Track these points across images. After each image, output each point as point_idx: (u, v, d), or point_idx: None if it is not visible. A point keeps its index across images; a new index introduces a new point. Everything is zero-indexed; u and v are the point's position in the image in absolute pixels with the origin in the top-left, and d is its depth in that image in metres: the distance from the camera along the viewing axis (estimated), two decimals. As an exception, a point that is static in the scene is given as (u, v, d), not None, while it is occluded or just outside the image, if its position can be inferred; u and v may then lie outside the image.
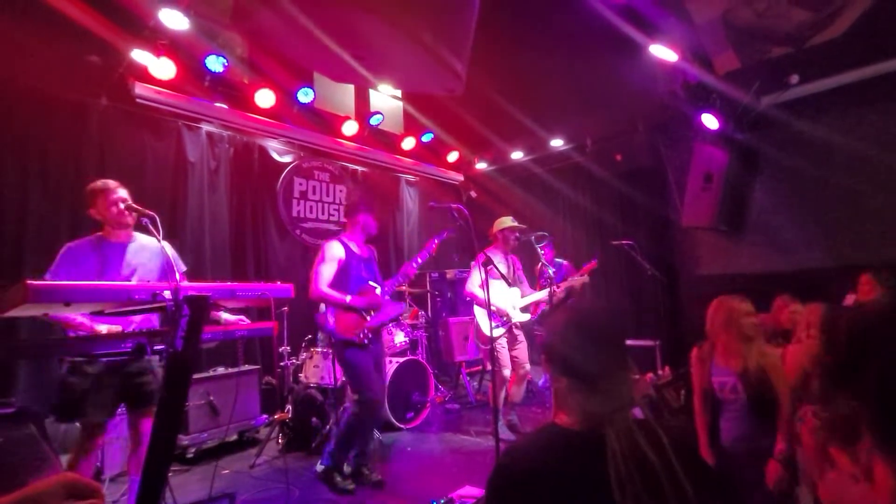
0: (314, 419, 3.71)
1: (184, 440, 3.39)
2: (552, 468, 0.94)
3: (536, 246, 3.91)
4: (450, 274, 6.20)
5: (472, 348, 5.31)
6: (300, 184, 5.38)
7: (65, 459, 2.52)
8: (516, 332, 3.84)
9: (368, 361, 2.99)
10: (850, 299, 2.78)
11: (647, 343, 5.10)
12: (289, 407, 3.87)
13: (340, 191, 5.77)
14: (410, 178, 6.83)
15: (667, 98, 4.77)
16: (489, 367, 3.43)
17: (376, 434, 3.76)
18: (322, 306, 4.14)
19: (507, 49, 4.74)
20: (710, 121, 4.56)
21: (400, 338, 4.50)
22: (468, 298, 3.94)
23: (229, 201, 4.70)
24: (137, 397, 2.29)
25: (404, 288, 4.88)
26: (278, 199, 5.13)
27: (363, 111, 5.56)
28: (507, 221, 3.94)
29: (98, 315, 2.05)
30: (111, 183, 2.37)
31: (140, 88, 3.92)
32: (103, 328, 2.11)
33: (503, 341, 3.74)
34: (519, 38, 4.66)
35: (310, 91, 4.79)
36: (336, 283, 2.95)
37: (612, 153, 6.00)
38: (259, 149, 5.02)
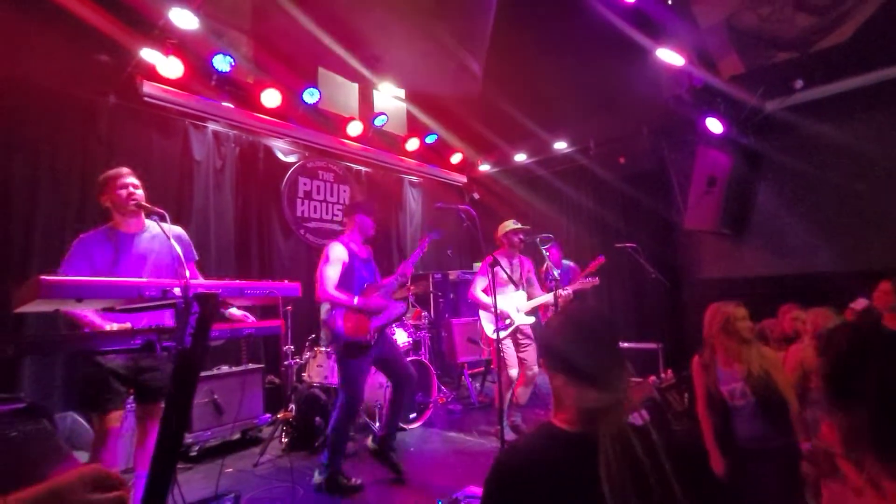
0: (317, 419, 3.71)
1: (187, 438, 3.39)
2: (548, 468, 0.96)
3: (541, 248, 3.91)
4: (452, 275, 6.21)
5: (475, 349, 5.31)
6: (304, 184, 5.39)
7: (80, 456, 2.54)
8: (522, 335, 3.84)
9: (367, 366, 3.07)
10: (861, 303, 2.78)
11: (649, 346, 5.11)
12: (292, 406, 3.88)
13: (344, 191, 5.78)
14: (414, 178, 6.85)
15: (671, 102, 4.78)
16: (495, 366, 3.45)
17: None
18: (322, 310, 4.17)
19: (512, 52, 4.76)
20: (714, 125, 4.57)
21: (403, 338, 4.50)
22: (471, 300, 3.94)
23: (234, 200, 4.71)
24: (147, 391, 2.30)
25: (409, 288, 4.89)
26: (283, 198, 5.14)
27: (367, 112, 5.59)
28: (511, 224, 3.94)
29: (108, 311, 2.07)
30: (123, 170, 2.38)
31: (148, 87, 3.94)
32: (113, 327, 2.12)
33: (508, 342, 3.75)
34: (523, 42, 4.68)
35: (315, 91, 4.81)
36: (340, 284, 2.99)
37: (615, 156, 6.01)
38: (264, 148, 5.04)
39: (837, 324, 1.95)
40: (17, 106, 3.39)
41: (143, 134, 4.09)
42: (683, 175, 5.16)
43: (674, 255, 5.56)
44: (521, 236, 3.93)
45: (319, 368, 4.01)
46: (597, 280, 3.97)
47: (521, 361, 3.79)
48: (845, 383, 0.80)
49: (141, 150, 4.02)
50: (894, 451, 0.73)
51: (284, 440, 3.76)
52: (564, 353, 1.04)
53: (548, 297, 3.84)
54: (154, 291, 1.72)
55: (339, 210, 5.70)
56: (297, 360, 4.22)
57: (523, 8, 4.21)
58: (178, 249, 2.08)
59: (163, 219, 2.10)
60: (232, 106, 4.61)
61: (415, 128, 6.17)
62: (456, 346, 5.32)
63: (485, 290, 3.85)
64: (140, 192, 2.37)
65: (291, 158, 5.29)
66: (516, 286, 3.75)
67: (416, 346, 4.84)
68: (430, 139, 6.28)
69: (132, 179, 2.37)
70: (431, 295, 5.82)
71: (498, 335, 3.02)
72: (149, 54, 3.77)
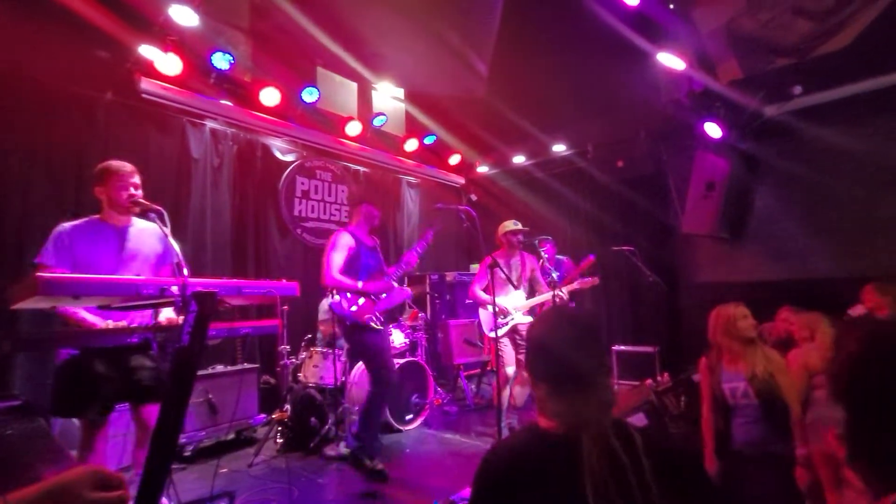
0: (313, 419, 3.69)
1: (181, 438, 3.36)
2: (533, 468, 0.97)
3: (540, 249, 3.92)
4: (449, 276, 6.20)
5: (471, 351, 5.30)
6: (302, 183, 5.37)
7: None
8: (522, 333, 3.84)
9: (382, 341, 3.20)
10: (858, 309, 2.80)
11: (646, 349, 5.12)
12: (287, 406, 3.86)
13: (342, 191, 5.76)
14: (412, 179, 6.84)
15: (670, 106, 4.80)
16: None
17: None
18: (321, 311, 4.16)
19: (511, 54, 4.76)
20: (712, 129, 4.59)
21: (399, 339, 4.49)
22: (471, 300, 3.95)
23: (231, 199, 4.69)
24: (140, 391, 2.25)
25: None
26: (280, 197, 5.12)
27: (366, 112, 5.57)
28: (509, 225, 3.95)
29: (104, 309, 2.04)
30: (128, 166, 2.32)
31: (146, 84, 3.92)
32: (109, 325, 2.08)
33: (506, 341, 3.75)
34: (523, 44, 4.68)
35: (314, 90, 4.79)
36: (346, 270, 3.12)
37: (613, 159, 6.03)
38: (262, 147, 5.02)
39: (849, 323, 1.95)
40: (13, 101, 3.35)
41: (140, 131, 4.06)
42: (681, 179, 5.18)
43: (671, 258, 5.58)
44: (520, 237, 3.93)
45: (315, 369, 3.99)
46: (597, 280, 3.98)
47: (518, 362, 3.78)
48: (851, 385, 0.80)
49: (138, 148, 3.99)
50: (863, 450, 0.73)
51: (279, 441, 3.74)
52: (546, 364, 1.05)
53: (546, 297, 3.84)
54: (152, 289, 1.72)
55: (336, 210, 5.68)
56: (293, 360, 4.20)
57: (525, 9, 4.21)
58: (177, 247, 2.06)
59: (160, 216, 2.07)
60: (230, 104, 4.58)
61: (413, 128, 6.16)
62: (452, 348, 5.31)
63: (484, 290, 3.86)
64: (140, 193, 2.33)
65: (289, 157, 5.27)
66: (515, 286, 3.75)
67: (412, 348, 4.83)
68: (428, 140, 6.27)
69: (136, 180, 2.32)
70: (428, 296, 5.81)
71: (496, 333, 3.03)
72: (147, 51, 3.74)
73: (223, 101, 4.53)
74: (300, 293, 2.84)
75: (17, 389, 3.07)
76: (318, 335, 4.36)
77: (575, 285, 3.92)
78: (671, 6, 4.10)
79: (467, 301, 5.49)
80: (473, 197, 7.48)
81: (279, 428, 3.78)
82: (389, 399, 3.21)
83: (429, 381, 4.39)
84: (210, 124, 4.54)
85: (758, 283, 4.82)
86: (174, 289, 1.72)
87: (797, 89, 4.34)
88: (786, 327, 2.68)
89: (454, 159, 6.89)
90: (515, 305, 3.82)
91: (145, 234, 2.41)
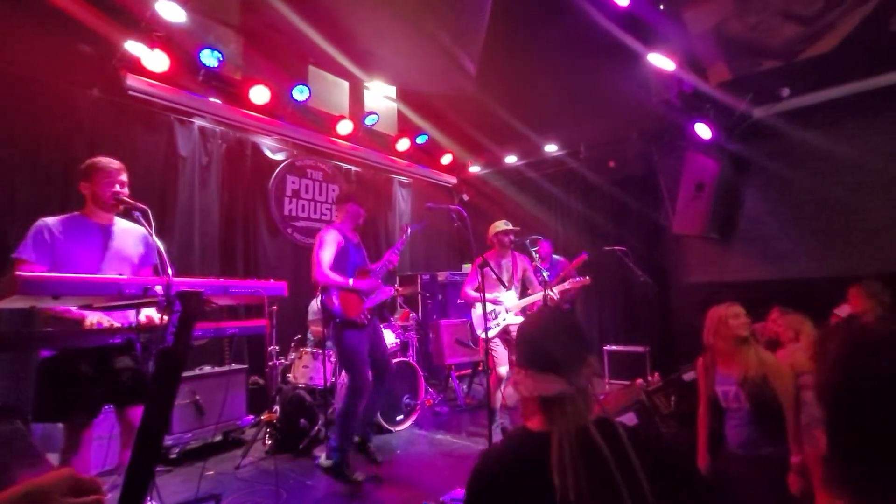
0: (302, 420, 3.65)
1: (167, 440, 3.31)
2: (520, 470, 0.98)
3: (531, 249, 3.92)
4: (441, 276, 6.19)
5: (463, 351, 5.29)
6: (293, 182, 5.32)
7: (51, 458, 2.44)
8: (513, 334, 3.83)
9: (365, 344, 3.21)
10: (845, 309, 2.84)
11: (637, 349, 5.15)
12: (276, 408, 3.81)
13: (333, 190, 5.72)
14: (404, 179, 6.81)
15: (661, 107, 4.83)
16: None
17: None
18: (310, 311, 4.13)
19: (503, 54, 4.76)
20: (702, 130, 4.63)
21: (390, 339, 4.47)
22: (462, 300, 3.93)
23: (220, 198, 4.63)
24: (125, 393, 2.21)
25: (398, 289, 4.87)
26: (270, 196, 5.07)
27: (358, 111, 5.54)
28: (501, 225, 3.94)
29: (87, 308, 2.00)
30: (116, 163, 2.28)
31: (132, 80, 3.85)
32: (94, 317, 2.02)
33: (498, 340, 3.74)
34: (515, 45, 4.69)
35: (305, 89, 4.75)
36: (335, 267, 3.14)
37: (605, 160, 6.06)
38: (252, 145, 4.97)
39: (831, 328, 1.95)
40: (-5, 96, 3.28)
41: (126, 128, 3.99)
42: (672, 179, 5.22)
43: (662, 258, 5.62)
44: (512, 237, 3.93)
45: (305, 369, 3.95)
46: (588, 280, 3.98)
47: (511, 363, 3.78)
48: (833, 390, 0.78)
49: (124, 145, 3.92)
50: (842, 455, 0.72)
51: (268, 442, 3.69)
52: (524, 346, 1.11)
53: (537, 297, 3.84)
54: (135, 289, 1.68)
55: (327, 209, 5.64)
56: (283, 360, 4.15)
57: (516, 9, 4.21)
58: (161, 246, 2.02)
59: (144, 215, 2.02)
60: (219, 102, 4.52)
61: (405, 128, 6.14)
62: (444, 348, 5.29)
63: (476, 290, 3.85)
64: (126, 191, 2.28)
65: (280, 156, 5.22)
66: (506, 287, 3.74)
67: (403, 348, 4.80)
68: (420, 139, 6.26)
69: (123, 177, 2.27)
70: (420, 296, 5.79)
71: (486, 333, 3.03)
72: (134, 47, 3.68)
73: (212, 99, 4.47)
74: (290, 293, 2.81)
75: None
76: (309, 335, 4.32)
77: (566, 285, 3.91)
78: (661, 7, 4.13)
79: (459, 301, 5.48)
80: (465, 197, 7.48)
81: (268, 429, 3.74)
82: (358, 410, 3.16)
83: (420, 382, 4.37)
84: (198, 122, 4.48)
85: (747, 283, 4.87)
86: (158, 288, 1.68)
87: (785, 91, 4.40)
88: (774, 328, 2.71)
89: (446, 159, 6.88)
90: (507, 306, 3.82)
91: (128, 234, 2.36)
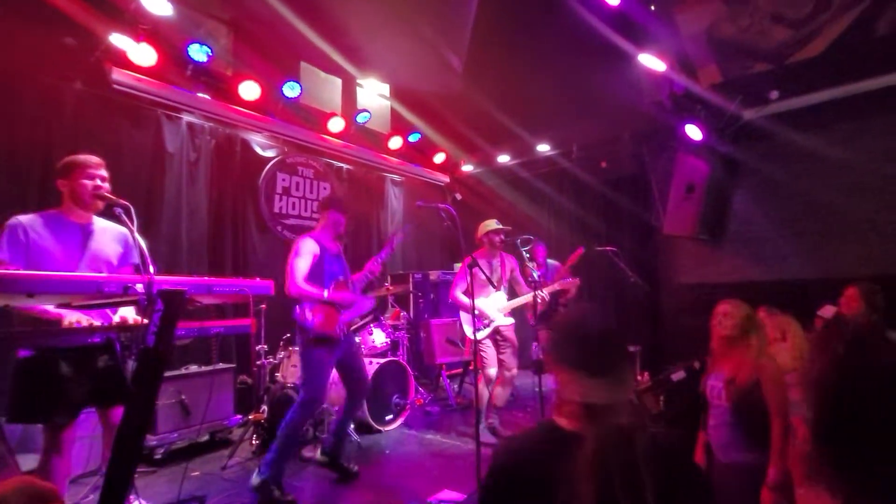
0: (291, 420, 3.62)
1: (152, 441, 3.26)
2: (544, 465, 0.95)
3: (522, 249, 3.90)
4: (433, 275, 6.17)
5: (454, 350, 5.28)
6: (283, 179, 5.27)
7: (29, 459, 2.38)
8: (503, 334, 3.83)
9: (331, 364, 3.01)
10: (828, 310, 2.86)
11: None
12: (264, 407, 3.77)
13: (324, 188, 5.68)
14: (396, 177, 6.78)
15: (652, 108, 4.85)
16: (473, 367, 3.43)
17: (354, 436, 3.69)
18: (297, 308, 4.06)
19: (497, 55, 4.76)
20: (693, 131, 4.65)
21: (381, 338, 4.44)
22: (451, 301, 3.91)
23: (209, 194, 4.56)
24: (108, 393, 2.16)
25: (388, 288, 4.83)
26: (260, 193, 5.01)
27: (350, 108, 5.50)
28: (492, 224, 3.92)
29: (65, 306, 1.95)
30: (93, 159, 2.21)
31: (118, 74, 3.78)
32: (73, 317, 1.97)
33: (488, 342, 3.73)
34: (509, 45, 4.68)
35: (296, 85, 4.70)
36: (310, 278, 2.95)
37: (597, 160, 6.08)
38: (242, 142, 4.91)
39: (827, 329, 1.89)
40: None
41: (111, 123, 3.92)
42: (663, 180, 5.24)
43: (653, 259, 5.65)
44: (502, 236, 3.91)
45: (294, 368, 3.92)
46: (578, 280, 3.98)
47: (500, 363, 3.77)
48: (825, 393, 0.77)
49: (109, 140, 3.85)
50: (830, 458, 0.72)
51: (255, 442, 3.66)
52: (574, 346, 1.04)
53: (527, 298, 3.84)
54: (114, 288, 1.64)
55: (318, 207, 5.59)
56: (271, 359, 4.11)
57: (509, 8, 4.20)
58: (143, 243, 1.98)
59: (127, 212, 1.97)
60: (208, 97, 4.46)
61: (398, 126, 6.11)
62: (434, 347, 5.28)
63: (465, 292, 3.82)
64: (107, 186, 2.23)
65: (270, 153, 5.17)
66: (496, 287, 3.73)
67: (393, 347, 4.78)
68: (413, 138, 6.23)
69: (103, 172, 2.21)
70: (411, 295, 5.77)
71: (475, 336, 3.00)
72: (119, 40, 3.61)
73: (201, 95, 4.40)
74: (280, 291, 2.77)
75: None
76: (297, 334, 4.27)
77: (556, 286, 3.91)
78: (652, 7, 4.14)
79: (450, 300, 5.46)
80: (458, 196, 7.47)
81: (255, 429, 3.70)
82: (302, 429, 2.99)
83: (410, 382, 4.35)
84: (187, 118, 4.41)
85: (737, 284, 4.90)
86: (139, 287, 1.65)
87: (774, 94, 4.43)
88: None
89: (439, 157, 6.86)
90: (497, 307, 3.81)
91: (107, 234, 2.30)
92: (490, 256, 3.90)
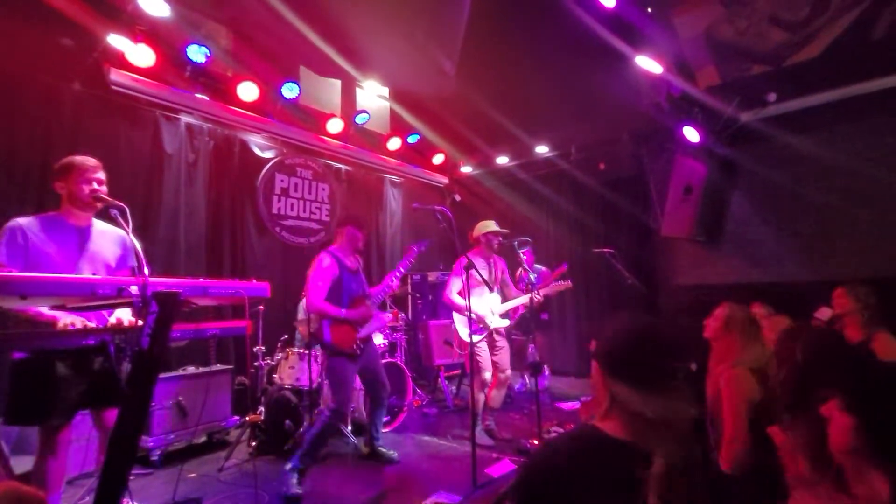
0: (287, 422, 3.61)
1: (148, 442, 3.26)
2: (590, 473, 0.93)
3: (518, 251, 3.90)
4: (431, 276, 6.17)
5: (452, 352, 5.28)
6: (282, 180, 5.27)
7: (25, 461, 2.38)
8: (497, 337, 3.83)
9: (353, 374, 3.19)
10: (825, 312, 2.86)
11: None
12: (261, 409, 3.77)
13: (323, 189, 5.68)
14: (395, 178, 6.78)
15: (650, 110, 4.86)
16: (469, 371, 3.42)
17: (351, 438, 3.69)
18: (303, 303, 4.09)
19: (495, 56, 4.76)
20: (691, 134, 4.66)
21: (379, 340, 4.44)
22: (446, 303, 3.90)
23: (207, 195, 4.56)
24: (103, 395, 2.16)
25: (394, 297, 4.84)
26: (258, 195, 5.01)
27: (349, 109, 5.50)
28: (491, 225, 3.91)
29: (59, 308, 1.95)
30: (91, 161, 2.21)
31: (116, 75, 3.78)
32: (67, 319, 1.97)
33: (483, 345, 3.71)
34: (507, 46, 4.68)
35: (295, 86, 4.71)
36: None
37: (596, 161, 6.08)
38: (240, 143, 4.91)
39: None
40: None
41: (109, 124, 3.91)
42: (661, 182, 5.24)
43: (651, 260, 5.65)
44: (500, 239, 3.90)
45: (291, 370, 3.91)
46: (569, 283, 3.98)
47: (494, 364, 3.76)
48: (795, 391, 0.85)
49: (107, 141, 3.85)
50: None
51: (253, 444, 3.65)
52: (635, 359, 1.01)
53: (523, 300, 3.83)
54: (108, 289, 1.64)
55: (316, 208, 5.59)
56: (269, 361, 4.11)
57: (507, 10, 4.20)
58: (138, 245, 1.98)
59: (122, 213, 1.98)
60: (207, 98, 4.46)
61: (398, 127, 6.11)
62: (432, 349, 5.28)
63: (460, 293, 3.81)
64: (104, 189, 2.22)
65: (269, 154, 5.17)
66: (490, 288, 3.72)
67: (391, 348, 4.78)
68: (412, 139, 6.23)
69: (100, 175, 2.21)
70: (410, 296, 5.77)
71: (471, 339, 3.00)
72: (117, 41, 3.61)
73: (199, 95, 4.41)
74: (278, 293, 2.77)
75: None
76: (297, 335, 4.27)
77: (549, 289, 3.92)
78: (649, 10, 4.15)
79: (444, 301, 5.45)
80: (457, 197, 7.46)
81: (253, 431, 3.69)
82: (329, 437, 3.16)
83: (407, 383, 4.35)
84: (185, 118, 4.41)
85: (734, 285, 4.91)
86: (133, 289, 1.65)
87: (772, 96, 4.44)
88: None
89: (438, 159, 6.86)
90: (493, 309, 3.80)
91: (105, 236, 2.31)
92: (485, 257, 3.88)
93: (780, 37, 4.19)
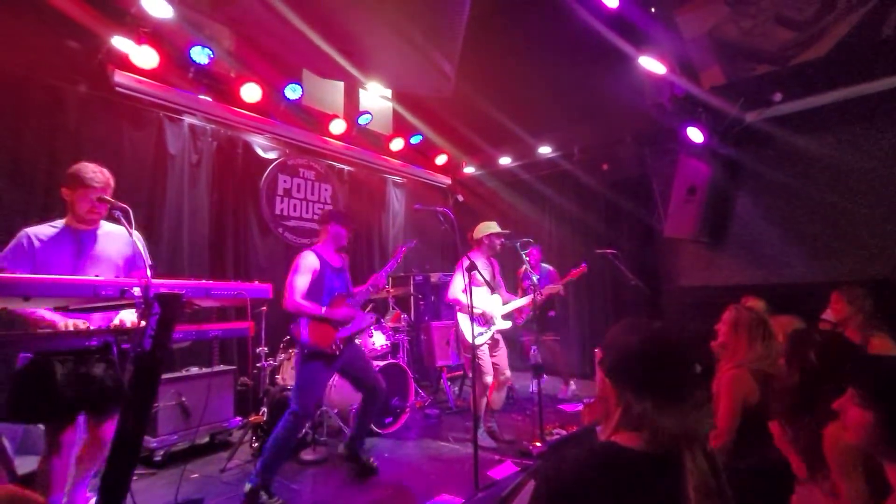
0: (290, 422, 3.61)
1: (152, 443, 3.26)
2: (607, 486, 0.92)
3: (521, 252, 3.88)
4: (434, 277, 6.16)
5: (454, 353, 5.27)
6: (285, 181, 5.28)
7: (29, 460, 2.38)
8: (497, 337, 3.81)
9: (327, 377, 3.07)
10: (831, 314, 2.83)
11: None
12: (264, 409, 3.77)
13: (326, 189, 5.69)
14: (398, 179, 6.78)
15: (654, 110, 4.83)
16: (470, 374, 3.40)
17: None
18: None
19: (498, 57, 4.75)
20: (695, 134, 4.63)
21: (381, 341, 4.43)
22: (451, 303, 3.88)
23: (210, 196, 4.58)
24: (99, 400, 2.16)
25: (389, 290, 4.83)
26: (261, 196, 5.02)
27: (352, 110, 5.51)
28: (494, 227, 3.88)
29: (62, 310, 1.95)
30: (100, 178, 2.20)
31: (120, 76, 3.80)
32: (69, 321, 1.98)
33: (485, 348, 3.70)
34: (510, 47, 4.68)
35: (298, 87, 4.72)
36: (310, 293, 2.96)
37: (599, 162, 6.06)
38: (243, 144, 4.92)
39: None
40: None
41: (114, 125, 3.93)
42: (664, 182, 5.22)
43: (654, 261, 5.62)
44: (503, 241, 3.88)
45: (294, 371, 3.91)
46: (561, 290, 3.99)
47: (494, 367, 3.74)
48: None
49: (111, 142, 3.87)
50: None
51: (255, 444, 3.65)
52: (645, 375, 0.99)
53: (525, 301, 3.82)
54: (111, 291, 1.64)
55: (319, 209, 5.60)
56: (271, 362, 4.11)
57: (510, 10, 4.20)
58: (140, 244, 1.99)
59: (125, 215, 1.98)
60: (210, 99, 4.48)
61: (400, 128, 6.11)
62: (435, 350, 5.27)
63: (463, 292, 3.78)
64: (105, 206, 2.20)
65: (271, 155, 5.18)
66: (491, 290, 3.70)
67: (394, 350, 4.77)
68: (415, 140, 6.23)
69: (105, 198, 2.19)
70: (412, 297, 5.76)
71: (474, 341, 2.98)
72: (121, 42, 3.63)
73: (203, 97, 4.42)
74: (281, 294, 2.77)
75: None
76: (298, 336, 4.27)
77: (549, 289, 3.90)
78: (652, 10, 4.13)
79: (448, 300, 5.44)
80: (460, 197, 7.45)
81: (255, 432, 3.70)
82: (292, 443, 2.91)
83: (409, 384, 4.34)
84: (188, 120, 4.43)
85: (737, 287, 4.87)
86: (136, 290, 1.65)
87: (777, 96, 4.40)
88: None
89: (441, 159, 6.86)
90: (495, 310, 3.78)
91: (111, 237, 2.32)
92: (487, 258, 3.86)
93: (785, 36, 4.16)
